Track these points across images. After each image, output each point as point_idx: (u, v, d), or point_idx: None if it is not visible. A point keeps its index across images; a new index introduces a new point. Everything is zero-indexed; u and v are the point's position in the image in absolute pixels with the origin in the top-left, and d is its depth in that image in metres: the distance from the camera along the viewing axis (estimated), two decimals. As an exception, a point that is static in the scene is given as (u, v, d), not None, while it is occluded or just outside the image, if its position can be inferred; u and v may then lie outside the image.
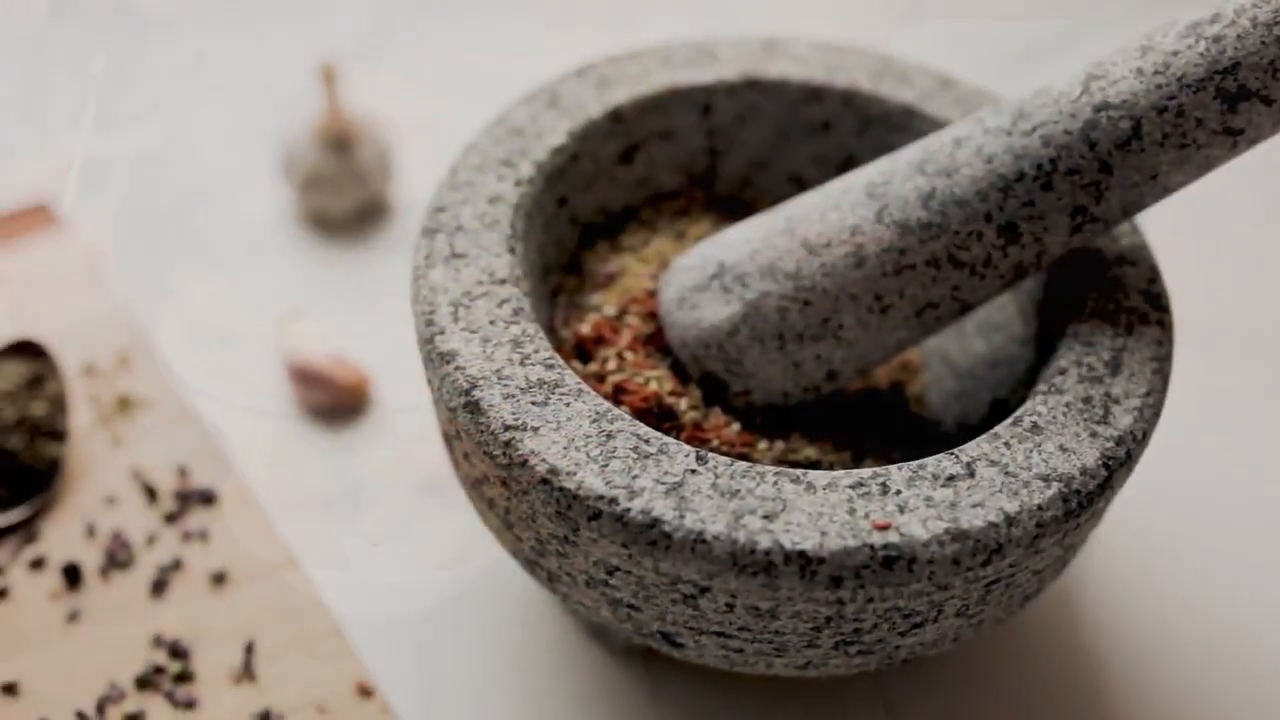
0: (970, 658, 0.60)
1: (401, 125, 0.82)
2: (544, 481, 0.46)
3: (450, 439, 0.52)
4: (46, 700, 0.56)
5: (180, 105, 0.86)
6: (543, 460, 0.46)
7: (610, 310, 0.57)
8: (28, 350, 0.65)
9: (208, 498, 0.62)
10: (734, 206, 0.65)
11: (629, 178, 0.63)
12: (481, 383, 0.49)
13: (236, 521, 0.62)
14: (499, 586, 0.62)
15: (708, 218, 0.64)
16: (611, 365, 0.55)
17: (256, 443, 0.66)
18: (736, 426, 0.54)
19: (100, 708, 0.55)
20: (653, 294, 0.58)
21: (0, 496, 0.61)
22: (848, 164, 0.64)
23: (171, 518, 0.62)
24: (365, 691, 0.56)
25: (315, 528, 0.63)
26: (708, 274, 0.56)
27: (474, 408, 0.48)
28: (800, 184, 0.65)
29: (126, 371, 0.67)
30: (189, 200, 0.79)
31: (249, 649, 0.57)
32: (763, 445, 0.54)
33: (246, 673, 0.57)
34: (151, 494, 0.62)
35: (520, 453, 0.47)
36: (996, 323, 0.61)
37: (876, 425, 0.58)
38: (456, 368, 0.49)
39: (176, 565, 0.60)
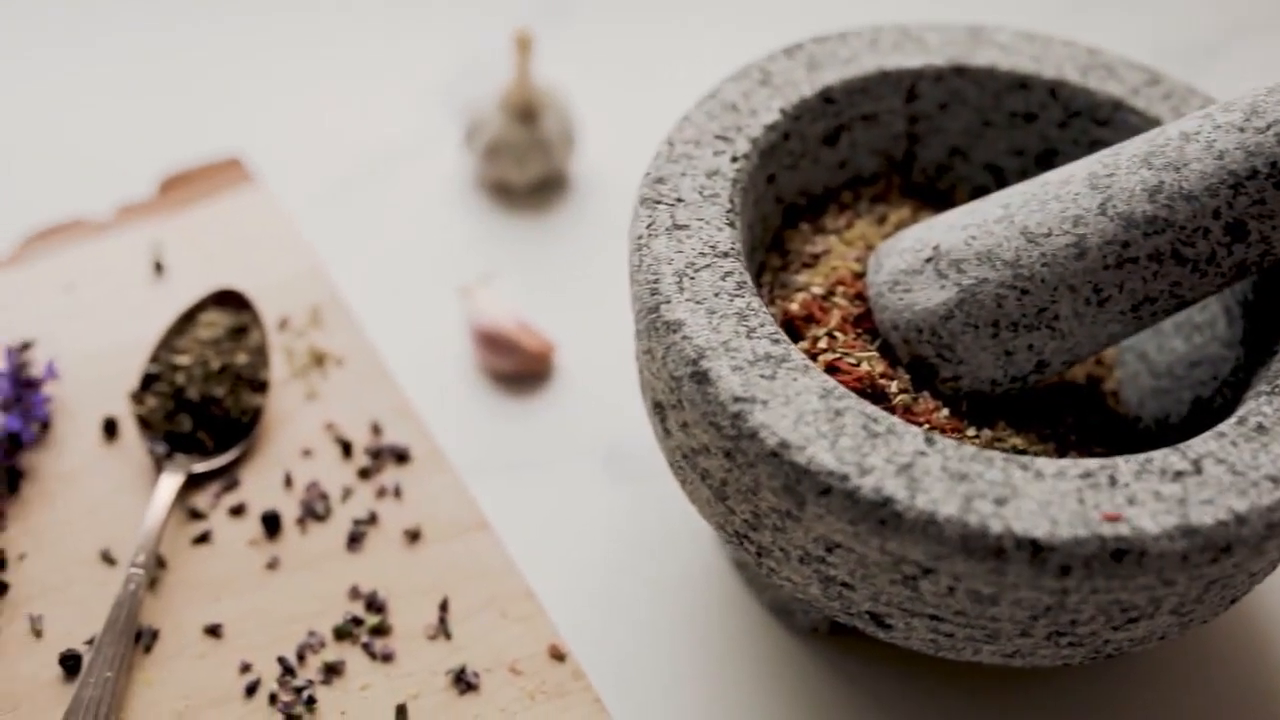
0: (1159, 658, 0.59)
1: (579, 98, 0.82)
2: (774, 455, 0.47)
3: (665, 408, 0.52)
4: (248, 644, 0.57)
5: (368, 66, 0.87)
6: (773, 433, 0.47)
7: (818, 290, 0.57)
8: (230, 301, 0.66)
9: (401, 455, 0.63)
10: (930, 193, 0.65)
11: (831, 159, 0.63)
12: (709, 353, 0.49)
13: (429, 480, 0.63)
14: (683, 559, 0.62)
15: (906, 203, 0.63)
16: (823, 344, 0.55)
17: (441, 404, 0.67)
18: (946, 411, 0.54)
19: (301, 655, 0.56)
20: (859, 276, 0.58)
21: (203, 443, 0.62)
22: (1047, 155, 0.63)
23: (365, 473, 0.63)
24: (558, 655, 0.57)
25: (501, 492, 0.64)
26: (922, 258, 0.55)
27: (702, 378, 0.48)
28: (997, 173, 0.64)
29: (318, 327, 0.69)
30: (373, 162, 0.80)
31: (443, 606, 0.58)
32: (971, 432, 0.54)
33: (441, 630, 0.57)
34: (346, 449, 0.63)
35: (750, 425, 0.47)
36: (1198, 322, 0.60)
37: (1074, 418, 0.58)
38: (684, 337, 0.49)
39: (372, 520, 0.61)
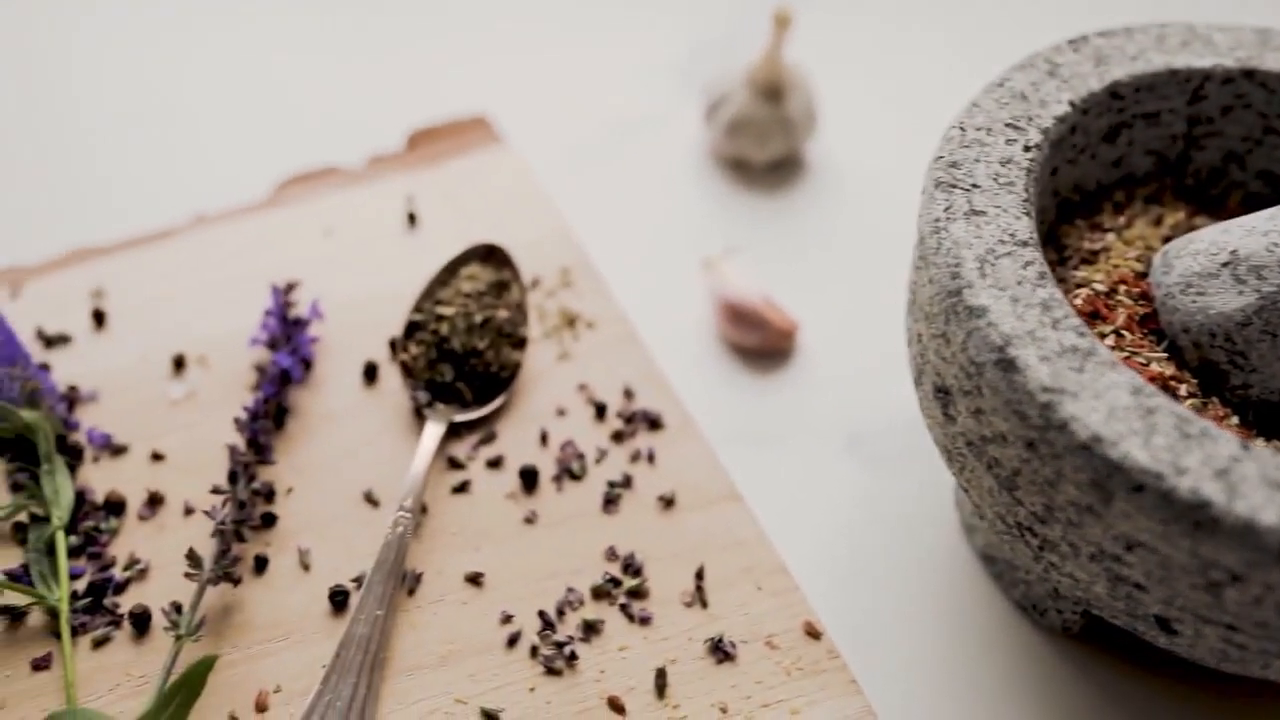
0: None
1: (818, 82, 0.82)
2: (1084, 448, 0.46)
3: (953, 393, 0.52)
4: (508, 595, 0.58)
5: (610, 35, 0.88)
6: (1085, 426, 0.46)
7: (1100, 286, 0.56)
8: (490, 257, 0.67)
9: (654, 422, 0.64)
10: (1202, 198, 0.64)
11: (1107, 156, 0.62)
12: (1015, 341, 0.48)
13: (681, 448, 0.63)
14: (927, 547, 0.62)
15: (1181, 206, 0.62)
16: (1109, 342, 0.54)
17: (684, 373, 0.68)
18: (1235, 419, 0.53)
19: (560, 611, 0.57)
20: (1141, 276, 0.57)
21: (462, 394, 0.63)
22: (1328, 167, 0.62)
23: (619, 437, 0.63)
24: (813, 633, 0.57)
25: (745, 465, 0.64)
26: (1218, 262, 0.54)
27: (1008, 366, 0.48)
28: (1273, 182, 0.63)
29: (568, 289, 0.69)
30: (612, 130, 0.81)
31: (699, 575, 0.58)
32: (1259, 442, 0.53)
33: (698, 597, 0.58)
34: (600, 411, 0.64)
35: (1060, 416, 0.47)
36: None
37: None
38: (988, 324, 0.49)
39: (626, 483, 0.61)
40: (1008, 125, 0.57)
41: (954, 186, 0.54)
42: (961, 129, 0.57)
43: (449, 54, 0.86)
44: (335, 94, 0.83)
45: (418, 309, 0.65)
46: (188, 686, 0.51)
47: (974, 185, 0.54)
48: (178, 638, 0.54)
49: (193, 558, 0.56)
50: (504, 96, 0.82)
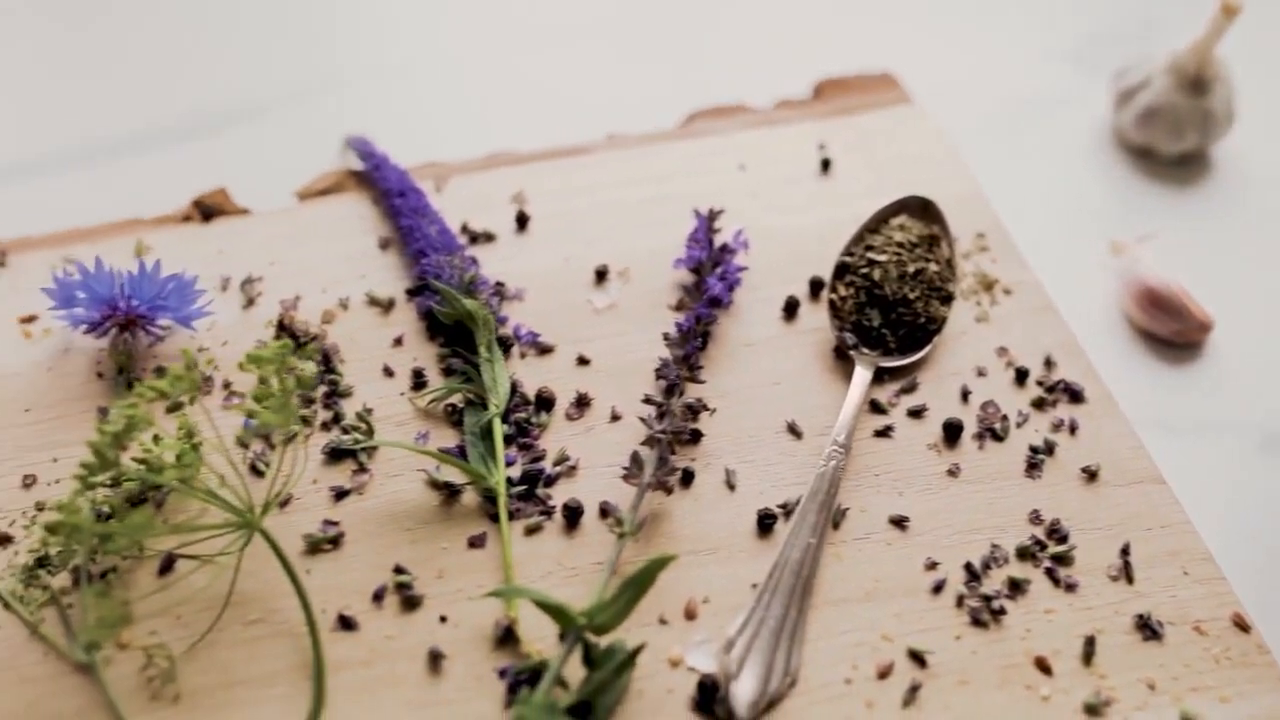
0: None
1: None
2: None
3: None
4: (931, 542, 0.58)
5: (1021, 10, 0.87)
6: None
7: None
8: (923, 212, 0.67)
9: (1075, 394, 0.63)
10: None
11: None
12: None
13: (1103, 424, 0.62)
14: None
15: None
16: None
17: (1094, 351, 0.67)
18: None
19: (986, 565, 0.57)
20: None
21: (886, 340, 0.64)
22: None
23: (1040, 404, 0.63)
24: (1242, 625, 0.56)
25: (1156, 451, 0.63)
26: None
27: None
28: None
29: (983, 253, 0.69)
30: (1018, 104, 0.81)
31: (1125, 550, 0.58)
32: None
33: (1124, 573, 0.57)
34: (1020, 377, 0.63)
35: None
36: None
37: None
38: None
39: (1049, 450, 0.61)
40: None
41: None
42: None
43: (856, 9, 0.86)
44: (740, 35, 0.84)
45: (848, 252, 0.65)
46: (640, 582, 0.52)
47: None
48: (620, 535, 0.55)
49: (636, 461, 0.57)
50: (906, 58, 0.82)
